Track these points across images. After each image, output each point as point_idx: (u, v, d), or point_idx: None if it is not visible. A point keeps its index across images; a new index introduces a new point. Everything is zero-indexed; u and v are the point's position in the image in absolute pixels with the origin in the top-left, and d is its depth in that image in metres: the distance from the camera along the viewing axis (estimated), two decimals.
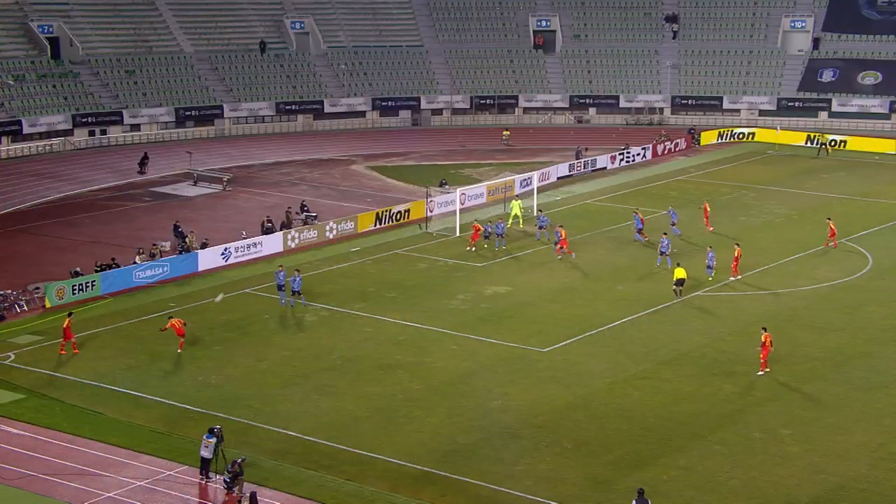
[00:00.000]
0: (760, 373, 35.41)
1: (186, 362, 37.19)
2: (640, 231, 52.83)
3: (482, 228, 51.32)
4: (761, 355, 35.58)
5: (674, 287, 43.66)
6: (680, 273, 43.80)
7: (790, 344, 38.32)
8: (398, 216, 57.10)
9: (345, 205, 61.32)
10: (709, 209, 55.33)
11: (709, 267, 46.06)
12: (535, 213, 55.10)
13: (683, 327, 40.50)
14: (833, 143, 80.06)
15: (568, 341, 38.95)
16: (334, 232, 54.31)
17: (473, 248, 49.61)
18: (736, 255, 46.23)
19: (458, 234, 54.31)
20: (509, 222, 54.96)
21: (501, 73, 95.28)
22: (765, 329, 36.19)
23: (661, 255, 48.41)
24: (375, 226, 56.00)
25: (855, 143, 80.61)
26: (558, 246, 49.74)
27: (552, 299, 44.12)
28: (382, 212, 56.72)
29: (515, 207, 55.71)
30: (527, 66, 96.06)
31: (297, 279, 42.42)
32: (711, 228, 54.07)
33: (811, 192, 65.50)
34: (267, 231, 51.93)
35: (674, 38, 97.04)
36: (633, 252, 51.32)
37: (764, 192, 65.66)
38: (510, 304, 43.40)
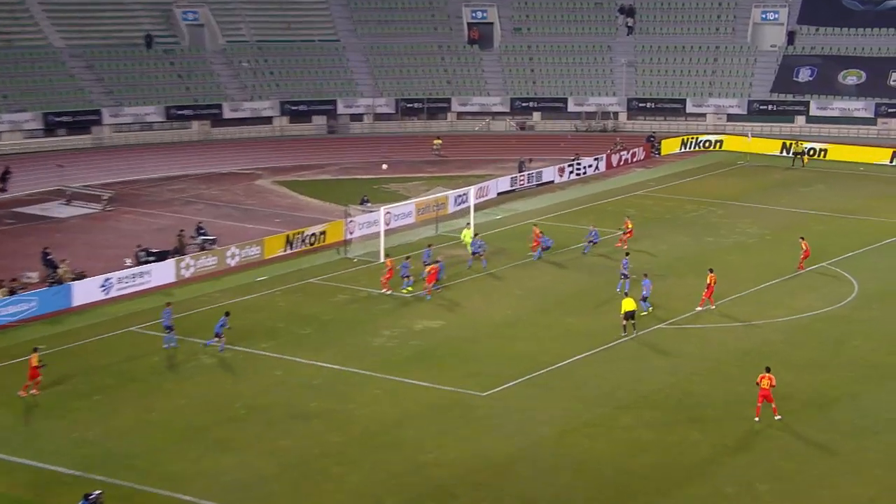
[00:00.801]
0: (756, 419, 35.82)
1: (59, 415, 36.49)
2: (592, 243, 54.39)
3: (398, 268, 49.85)
4: (758, 399, 35.75)
5: (623, 322, 43.82)
6: (629, 305, 43.94)
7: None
8: (312, 239, 57.03)
9: (249, 226, 61.05)
10: (630, 226, 55.84)
11: (643, 299, 45.93)
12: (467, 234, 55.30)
13: (644, 365, 40.91)
14: (811, 153, 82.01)
15: (511, 383, 39.06)
16: (237, 258, 53.96)
17: (389, 292, 49.14)
18: (709, 281, 46.84)
19: (382, 259, 54.30)
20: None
21: (431, 72, 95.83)
22: (768, 370, 36.19)
23: (622, 277, 49.05)
24: (285, 251, 55.83)
25: (836, 153, 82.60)
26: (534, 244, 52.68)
27: (492, 334, 44.26)
28: (294, 234, 56.55)
29: (466, 237, 55.55)
30: (461, 64, 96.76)
31: (223, 321, 41.89)
32: (625, 247, 54.64)
33: (787, 208, 66.88)
34: (143, 263, 51.13)
35: (629, 32, 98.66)
36: (586, 278, 51.82)
37: (733, 208, 66.85)
38: (444, 341, 43.48)
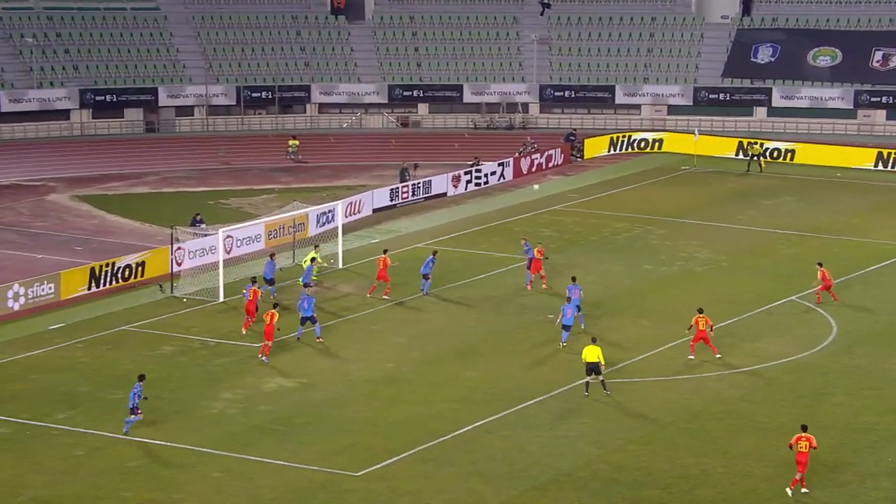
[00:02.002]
0: (790, 491, 36.37)
1: None
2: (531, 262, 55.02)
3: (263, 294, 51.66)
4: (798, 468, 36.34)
5: (587, 379, 43.94)
6: (591, 354, 43.90)
7: (721, 454, 39.39)
8: (127, 273, 56.44)
9: (38, 256, 60.20)
10: (541, 256, 55.96)
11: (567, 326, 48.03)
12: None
13: (566, 433, 41.08)
14: (773, 155, 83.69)
15: (393, 459, 38.94)
16: (21, 300, 53.04)
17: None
18: (694, 324, 47.30)
19: (221, 298, 53.84)
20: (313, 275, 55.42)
21: (283, 51, 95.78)
22: (804, 429, 36.63)
23: (575, 311, 49.33)
24: (90, 289, 55.14)
25: (807, 154, 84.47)
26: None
27: (369, 394, 44.09)
28: (101, 267, 55.85)
29: (309, 258, 55.80)
30: (322, 40, 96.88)
31: (136, 390, 41.02)
32: (545, 286, 55.34)
33: (746, 226, 68.12)
34: None
35: (542, 1, 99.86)
36: (491, 318, 52.05)
37: (677, 227, 67.84)
38: (304, 405, 43.18)
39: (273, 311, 47.86)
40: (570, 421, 42.02)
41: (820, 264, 54.74)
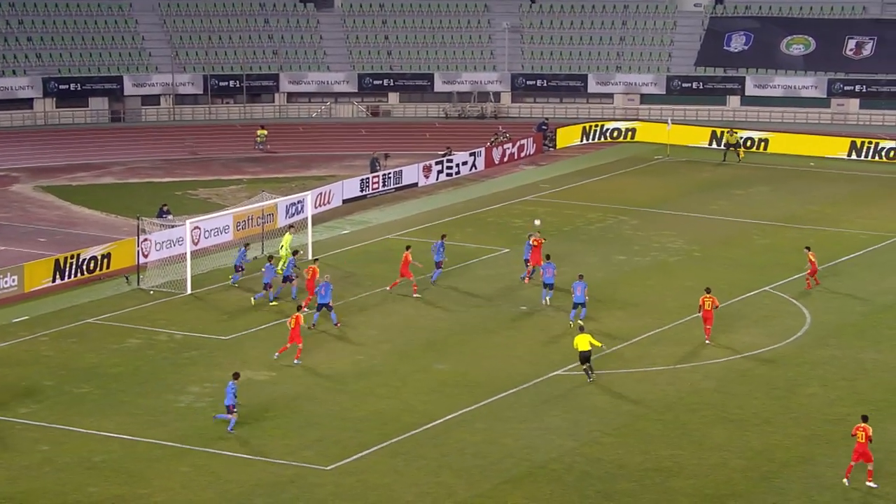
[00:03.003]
0: (846, 481, 36.63)
1: None
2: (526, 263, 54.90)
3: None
4: (853, 457, 36.55)
5: (584, 368, 44.59)
6: (582, 342, 44.53)
7: (695, 446, 39.57)
8: (92, 265, 56.31)
9: (1, 248, 60.11)
10: (540, 242, 56.12)
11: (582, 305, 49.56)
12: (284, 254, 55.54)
13: (538, 425, 41.20)
14: (747, 144, 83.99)
15: (364, 452, 38.97)
16: None
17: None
18: (700, 303, 48.30)
19: (189, 290, 53.86)
20: (279, 266, 55.18)
21: (252, 40, 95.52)
22: (865, 419, 36.90)
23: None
24: (54, 281, 54.99)
25: (780, 143, 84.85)
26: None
27: (338, 388, 44.12)
28: (65, 259, 55.69)
29: (286, 243, 55.76)
30: (291, 29, 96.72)
31: (232, 386, 40.97)
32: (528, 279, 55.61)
33: (719, 216, 68.40)
34: None
35: None
36: (462, 311, 52.19)
37: (651, 217, 68.07)
38: (273, 399, 43.17)
39: (298, 314, 47.39)
40: (544, 413, 42.13)
41: (808, 248, 55.15)
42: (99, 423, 40.83)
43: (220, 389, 43.75)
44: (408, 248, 54.64)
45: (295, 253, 54.61)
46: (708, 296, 48.41)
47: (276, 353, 46.57)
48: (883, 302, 54.12)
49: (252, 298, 52.61)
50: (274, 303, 52.38)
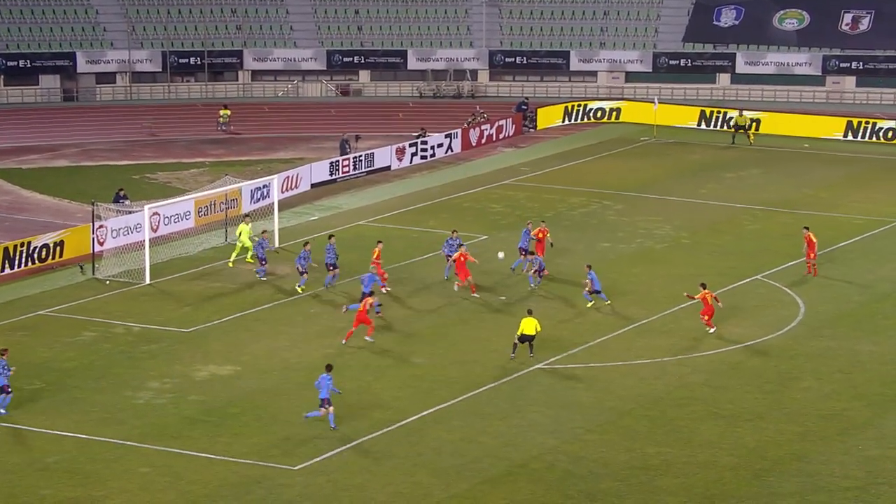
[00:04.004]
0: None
1: None
2: (523, 253, 54.59)
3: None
4: None
5: (515, 342, 45.22)
6: (528, 326, 45.16)
7: (684, 443, 39.45)
8: (44, 253, 56.13)
9: None
10: (546, 236, 56.01)
11: (598, 291, 50.07)
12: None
13: (518, 422, 41.07)
14: (752, 127, 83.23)
15: (334, 451, 38.84)
16: None
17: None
18: (701, 299, 48.09)
19: (147, 280, 53.70)
20: (232, 257, 55.50)
21: (213, 14, 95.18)
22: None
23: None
24: (3, 270, 54.95)
25: (773, 124, 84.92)
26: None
27: (306, 383, 43.78)
28: (14, 246, 55.56)
29: (244, 233, 55.81)
30: (255, 2, 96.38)
31: (327, 378, 40.89)
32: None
33: (709, 200, 68.35)
34: None
35: None
36: (438, 301, 51.96)
37: (636, 202, 67.97)
38: (238, 395, 42.97)
39: (369, 297, 47.63)
40: (524, 409, 42.05)
41: (807, 228, 55.03)
42: (52, 422, 40.65)
43: (182, 385, 43.84)
44: (461, 245, 53.51)
45: (263, 233, 54.66)
46: (707, 292, 48.18)
47: (344, 340, 47.06)
48: (880, 290, 54.14)
49: (297, 287, 52.58)
50: (302, 288, 52.42)
